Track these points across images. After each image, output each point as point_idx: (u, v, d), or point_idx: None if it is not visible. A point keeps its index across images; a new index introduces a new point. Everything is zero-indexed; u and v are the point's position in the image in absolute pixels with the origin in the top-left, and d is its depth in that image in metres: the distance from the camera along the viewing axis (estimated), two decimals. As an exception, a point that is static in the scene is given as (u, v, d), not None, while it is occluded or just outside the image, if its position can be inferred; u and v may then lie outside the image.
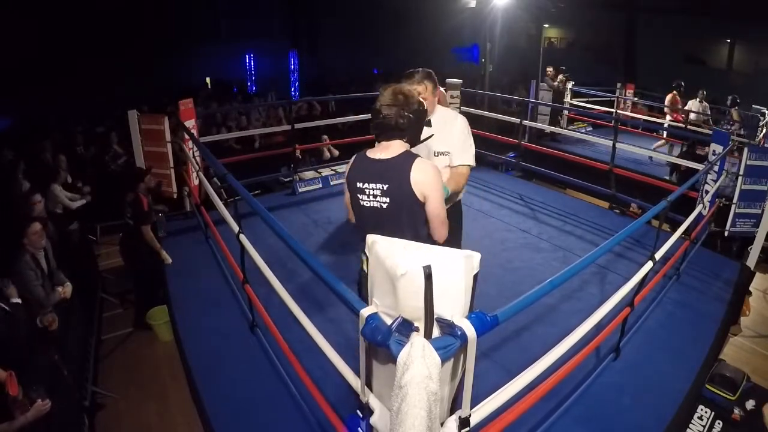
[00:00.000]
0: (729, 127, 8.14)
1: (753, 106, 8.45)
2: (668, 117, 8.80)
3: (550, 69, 9.40)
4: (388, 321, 1.30)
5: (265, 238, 3.36)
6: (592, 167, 5.38)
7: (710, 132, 8.02)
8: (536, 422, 2.34)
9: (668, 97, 8.87)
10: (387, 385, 1.34)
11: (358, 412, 1.70)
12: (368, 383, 1.57)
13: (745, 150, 4.14)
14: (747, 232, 4.28)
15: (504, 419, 1.76)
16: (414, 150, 2.02)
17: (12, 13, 9.66)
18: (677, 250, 3.47)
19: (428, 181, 1.88)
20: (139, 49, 11.36)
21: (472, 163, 2.56)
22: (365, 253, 1.58)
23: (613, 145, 5.01)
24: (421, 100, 2.05)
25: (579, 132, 8.67)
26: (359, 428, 1.75)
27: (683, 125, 8.71)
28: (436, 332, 1.27)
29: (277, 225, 2.08)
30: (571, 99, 9.52)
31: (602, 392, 2.59)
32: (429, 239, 2.03)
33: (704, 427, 2.80)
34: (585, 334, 2.07)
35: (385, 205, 1.91)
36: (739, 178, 4.17)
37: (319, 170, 5.97)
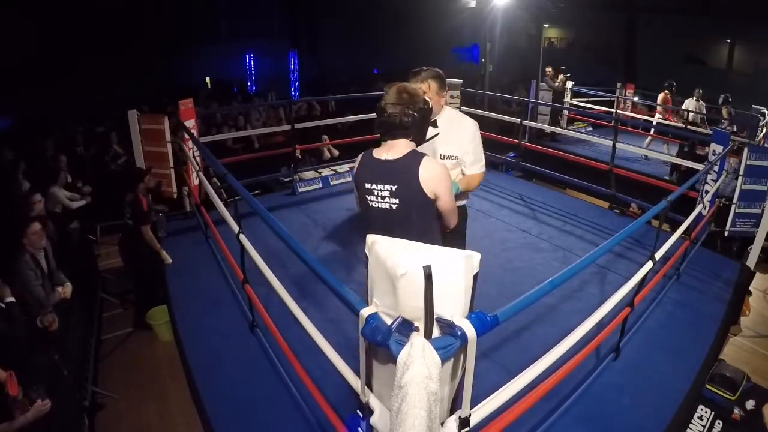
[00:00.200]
0: (721, 125, 8.21)
1: (753, 106, 8.45)
2: (658, 115, 8.91)
3: (549, 69, 9.41)
4: (388, 321, 1.30)
5: (265, 238, 3.36)
6: (592, 167, 5.38)
7: (705, 131, 8.18)
8: (536, 422, 2.34)
9: (660, 96, 8.96)
10: (387, 385, 1.34)
11: (358, 412, 1.70)
12: (368, 383, 1.57)
13: (745, 150, 4.14)
14: (747, 232, 4.28)
15: (504, 419, 1.76)
16: (419, 149, 2.01)
17: (12, 13, 9.65)
18: (677, 250, 3.47)
19: (437, 179, 1.88)
20: (139, 49, 11.36)
21: (484, 170, 2.57)
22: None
23: (613, 145, 5.01)
24: (427, 99, 2.03)
25: (579, 132, 8.67)
26: (359, 428, 1.75)
27: (674, 124, 8.79)
28: (436, 332, 1.27)
29: (277, 225, 2.08)
30: (571, 99, 9.52)
31: (602, 392, 2.59)
32: (439, 233, 2.06)
33: (704, 427, 2.80)
34: (585, 334, 2.07)
35: (394, 206, 1.90)
36: (739, 178, 4.17)
37: (319, 170, 5.97)
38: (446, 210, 1.99)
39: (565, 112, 9.43)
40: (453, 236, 2.25)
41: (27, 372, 2.82)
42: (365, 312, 1.35)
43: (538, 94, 9.15)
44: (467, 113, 2.72)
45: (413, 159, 1.88)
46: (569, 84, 9.43)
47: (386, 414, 1.43)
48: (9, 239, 3.82)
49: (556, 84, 9.31)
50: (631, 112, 9.88)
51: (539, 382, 1.92)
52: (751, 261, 4.03)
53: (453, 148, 2.45)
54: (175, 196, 4.92)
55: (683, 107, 8.82)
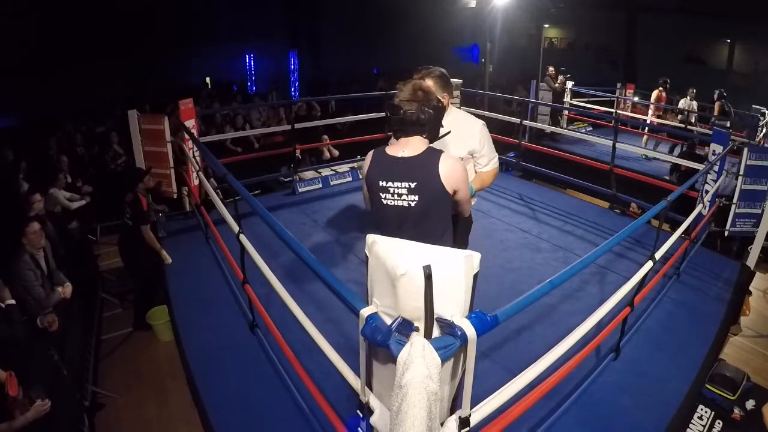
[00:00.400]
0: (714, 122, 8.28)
1: (753, 106, 8.46)
2: (650, 113, 9.04)
3: (551, 69, 9.41)
4: (388, 321, 1.30)
5: (265, 238, 3.36)
6: (592, 167, 5.38)
7: (697, 130, 8.24)
8: (536, 422, 2.33)
9: (654, 94, 9.02)
10: (387, 385, 1.34)
11: (358, 412, 1.70)
12: (368, 383, 1.57)
13: (745, 150, 4.14)
14: (747, 232, 4.28)
15: (504, 419, 1.76)
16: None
17: (12, 13, 9.65)
18: (677, 250, 3.47)
19: (456, 175, 1.92)
20: (139, 49, 11.36)
21: (497, 164, 2.64)
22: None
23: (613, 145, 5.01)
24: (439, 98, 2.06)
25: (579, 132, 8.68)
26: (359, 428, 1.74)
27: (667, 122, 8.88)
28: (436, 332, 1.27)
29: (277, 225, 2.08)
30: (570, 99, 9.53)
31: (602, 392, 2.59)
32: (451, 227, 2.10)
33: (704, 427, 2.80)
34: (585, 334, 2.07)
35: (413, 203, 1.91)
36: (739, 178, 4.17)
37: (319, 170, 5.97)
38: (462, 201, 2.05)
39: (565, 112, 9.44)
40: (458, 235, 2.25)
41: (27, 372, 2.82)
42: (365, 312, 1.35)
43: (538, 94, 9.15)
44: (472, 115, 2.73)
45: (432, 155, 1.90)
46: (569, 84, 9.44)
47: (386, 414, 1.43)
48: (9, 239, 3.83)
49: (556, 85, 9.31)
50: (631, 112, 9.89)
51: (539, 382, 1.92)
52: (751, 261, 4.03)
53: (460, 149, 2.47)
54: (175, 196, 4.92)
55: (678, 106, 8.86)
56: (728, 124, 8.23)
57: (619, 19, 14.21)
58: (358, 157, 6.08)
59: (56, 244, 4.49)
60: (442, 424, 1.38)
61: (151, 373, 4.07)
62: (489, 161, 2.58)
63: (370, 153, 2.04)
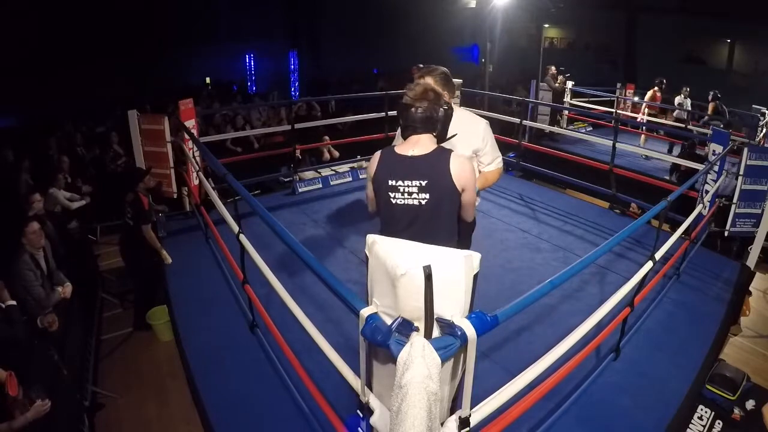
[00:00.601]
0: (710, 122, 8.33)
1: (753, 106, 8.46)
2: (643, 112, 9.11)
3: (553, 69, 9.41)
4: (388, 321, 1.30)
5: (265, 238, 3.36)
6: (592, 167, 5.38)
7: (692, 128, 8.29)
8: (536, 422, 2.33)
9: (648, 94, 9.06)
10: (387, 385, 1.34)
11: (358, 412, 1.70)
12: (368, 383, 1.57)
13: (745, 150, 4.13)
14: (747, 232, 4.28)
15: (504, 419, 1.76)
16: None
17: (12, 14, 9.65)
18: (677, 250, 3.47)
19: (466, 174, 1.94)
20: (139, 49, 11.36)
21: (501, 164, 2.66)
22: None
23: (613, 145, 5.01)
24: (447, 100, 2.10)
25: (579, 132, 8.68)
26: (359, 428, 1.75)
27: (661, 121, 8.94)
28: (436, 332, 1.27)
29: (277, 225, 2.08)
30: (570, 99, 9.53)
31: (602, 392, 2.59)
32: (459, 233, 2.11)
33: (704, 427, 2.80)
34: (585, 334, 2.07)
35: (424, 201, 1.92)
36: (739, 178, 4.17)
37: (319, 170, 5.97)
38: (468, 203, 2.04)
39: (565, 112, 9.44)
40: (462, 234, 2.25)
41: (27, 372, 2.82)
42: (365, 312, 1.35)
43: (538, 94, 9.16)
44: (471, 112, 2.74)
45: (442, 154, 1.93)
46: (569, 84, 9.44)
47: (386, 414, 1.43)
48: (8, 239, 3.83)
49: (556, 84, 9.32)
50: (631, 112, 9.90)
51: (539, 382, 1.92)
52: (751, 261, 4.03)
53: (464, 148, 2.47)
54: (175, 196, 4.92)
55: (675, 104, 8.89)
56: (721, 125, 8.28)
57: (619, 19, 14.21)
58: (358, 157, 6.09)
59: (56, 244, 4.49)
60: (442, 424, 1.38)
61: (151, 373, 4.06)
62: (492, 160, 2.59)
63: (378, 153, 2.04)
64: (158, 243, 4.12)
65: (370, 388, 1.57)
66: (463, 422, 1.41)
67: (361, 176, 5.72)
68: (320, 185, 5.58)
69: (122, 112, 5.05)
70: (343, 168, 5.95)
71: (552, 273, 1.77)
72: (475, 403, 1.48)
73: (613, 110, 9.74)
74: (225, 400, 2.54)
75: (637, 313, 3.08)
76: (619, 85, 10.06)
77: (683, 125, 8.67)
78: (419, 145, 1.94)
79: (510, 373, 1.85)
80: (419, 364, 1.14)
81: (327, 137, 7.31)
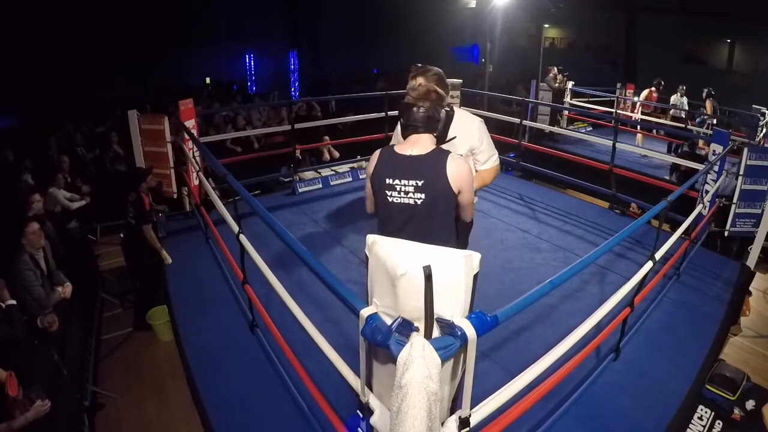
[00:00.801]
0: (707, 120, 8.36)
1: (753, 106, 8.46)
2: (638, 111, 9.19)
3: (554, 70, 9.42)
4: (388, 321, 1.30)
5: (265, 238, 3.36)
6: (592, 167, 5.38)
7: (688, 127, 8.33)
8: (536, 422, 2.33)
9: (644, 93, 9.10)
10: (387, 385, 1.34)
11: (358, 412, 1.70)
12: (368, 383, 1.57)
13: (745, 150, 4.14)
14: (747, 232, 4.28)
15: (504, 419, 1.76)
16: None
17: (12, 14, 9.65)
18: (677, 250, 3.47)
19: (463, 175, 1.94)
20: (139, 49, 11.36)
21: (498, 163, 2.64)
22: None
23: (613, 145, 5.01)
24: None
25: (579, 132, 8.69)
26: (359, 428, 1.75)
27: (657, 120, 9.04)
28: (436, 332, 1.27)
29: (277, 225, 2.08)
30: (570, 99, 9.53)
31: (602, 392, 2.59)
32: (456, 234, 2.11)
33: (704, 427, 2.80)
34: (585, 334, 2.07)
35: (419, 201, 1.93)
36: (739, 178, 4.17)
37: (319, 170, 5.97)
38: (466, 204, 2.05)
39: (565, 112, 9.44)
40: (459, 233, 2.26)
41: (27, 372, 2.82)
42: (365, 312, 1.35)
43: (538, 94, 9.16)
44: (466, 111, 2.73)
45: (440, 155, 1.94)
46: (569, 84, 9.44)
47: (386, 414, 1.43)
48: (8, 239, 3.83)
49: (556, 84, 9.32)
50: (631, 112, 9.91)
51: (539, 382, 1.92)
52: (751, 261, 4.03)
53: (459, 146, 2.47)
54: (175, 196, 4.92)
55: (671, 103, 8.91)
56: (714, 122, 8.35)
57: (619, 19, 14.21)
58: (358, 157, 6.09)
59: (56, 244, 4.49)
60: (442, 425, 1.38)
61: (151, 373, 4.07)
62: (488, 158, 2.58)
63: (377, 151, 2.05)
64: (158, 243, 4.13)
65: (370, 388, 1.57)
66: (463, 422, 1.41)
67: (361, 176, 5.72)
68: (320, 185, 5.58)
69: (122, 112, 5.05)
70: (343, 168, 5.95)
71: (552, 273, 1.77)
72: (475, 403, 1.48)
73: (613, 110, 9.75)
74: (225, 400, 2.54)
75: (637, 313, 3.08)
76: (619, 85, 10.07)
77: (682, 125, 8.67)
78: (419, 144, 1.95)
79: (510, 373, 1.85)
80: (419, 364, 1.14)
81: (327, 137, 7.32)
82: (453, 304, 1.30)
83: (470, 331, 1.25)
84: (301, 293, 3.13)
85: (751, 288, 4.09)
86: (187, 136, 4.39)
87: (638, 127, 9.08)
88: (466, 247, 2.56)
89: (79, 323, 4.12)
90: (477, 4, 11.34)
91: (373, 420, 1.51)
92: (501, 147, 6.47)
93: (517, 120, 6.16)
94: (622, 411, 2.49)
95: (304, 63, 15.24)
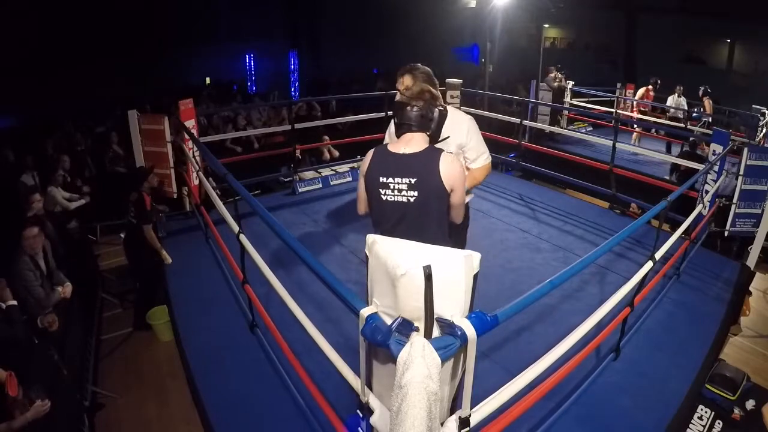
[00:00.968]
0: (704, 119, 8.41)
1: (753, 106, 8.46)
2: (634, 111, 9.30)
3: (555, 72, 9.44)
4: (388, 321, 1.30)
5: (265, 238, 3.37)
6: (592, 167, 5.38)
7: (691, 128, 8.34)
8: (536, 422, 2.33)
9: (640, 91, 9.14)
10: (387, 385, 1.34)
11: (358, 412, 1.70)
12: (368, 383, 1.57)
13: (745, 150, 4.14)
14: (747, 232, 4.28)
15: (504, 419, 1.76)
16: None
17: (12, 14, 9.64)
18: (677, 250, 3.47)
19: (456, 173, 1.95)
20: (139, 49, 11.35)
21: (489, 161, 2.61)
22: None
23: (613, 145, 5.01)
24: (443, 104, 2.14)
25: (579, 132, 8.69)
26: (359, 428, 1.75)
27: (654, 119, 9.10)
28: (436, 332, 1.27)
29: (277, 225, 2.08)
30: (570, 99, 9.54)
31: (602, 392, 2.59)
32: (450, 233, 2.11)
33: (704, 427, 2.80)
34: (585, 334, 2.07)
35: (412, 199, 1.94)
36: (739, 178, 4.17)
37: (319, 170, 5.97)
38: (457, 204, 2.04)
39: (565, 112, 9.45)
40: (455, 232, 2.26)
41: (27, 372, 2.82)
42: (365, 312, 1.35)
43: (538, 94, 9.16)
44: (467, 113, 2.72)
45: (433, 153, 1.95)
46: (569, 84, 9.44)
47: (386, 414, 1.43)
48: (9, 239, 3.83)
49: (556, 84, 9.33)
50: (631, 112, 9.92)
51: (539, 382, 1.92)
52: (751, 261, 4.03)
53: (449, 144, 2.46)
54: (175, 196, 4.92)
55: (668, 104, 8.92)
56: (710, 120, 8.38)
57: (619, 19, 14.21)
58: (358, 157, 6.08)
59: (56, 244, 4.49)
60: (442, 424, 1.38)
61: (151, 373, 4.06)
62: (478, 156, 2.54)
63: (371, 151, 2.07)
64: (158, 243, 4.13)
65: (370, 388, 1.57)
66: (463, 422, 1.41)
67: (360, 175, 5.72)
68: (320, 185, 5.58)
69: (122, 112, 5.05)
70: (343, 168, 5.95)
71: (552, 273, 1.77)
72: (475, 403, 1.48)
73: (613, 110, 9.75)
74: (225, 400, 2.54)
75: (637, 313, 3.08)
76: (619, 85, 10.07)
77: (682, 125, 8.67)
78: (412, 143, 1.97)
79: (510, 373, 1.85)
80: (419, 364, 1.14)
81: (327, 137, 7.32)
82: (453, 304, 1.30)
83: (470, 331, 1.25)
84: (301, 293, 3.13)
85: (751, 288, 4.09)
86: (187, 136, 4.39)
87: (634, 126, 9.10)
88: (464, 246, 2.57)
89: (79, 323, 4.11)
90: (477, 4, 11.34)
91: (373, 420, 1.51)
92: (501, 147, 6.53)
93: (517, 120, 6.16)
94: (622, 411, 2.49)
95: (304, 63, 15.24)
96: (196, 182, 4.65)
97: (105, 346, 4.41)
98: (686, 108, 8.84)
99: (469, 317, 1.29)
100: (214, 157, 3.32)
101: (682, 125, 8.61)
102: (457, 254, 1.34)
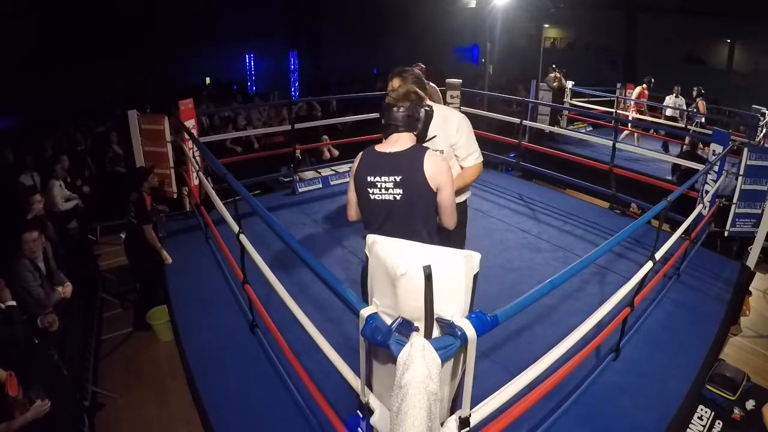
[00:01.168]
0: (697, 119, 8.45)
1: (753, 106, 8.46)
2: (631, 110, 9.41)
3: (556, 72, 9.45)
4: (388, 321, 1.30)
5: (265, 238, 3.36)
6: (592, 167, 5.38)
7: (683, 126, 8.37)
8: (536, 422, 2.33)
9: (636, 90, 9.19)
10: (387, 385, 1.34)
11: (358, 412, 1.70)
12: (368, 383, 1.57)
13: (745, 150, 4.14)
14: (747, 232, 4.28)
15: (504, 419, 1.76)
16: None
17: (12, 14, 9.64)
18: (677, 250, 3.47)
19: (441, 171, 1.95)
20: (139, 49, 11.35)
21: (480, 160, 2.58)
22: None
23: (613, 145, 5.01)
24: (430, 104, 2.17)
25: (579, 132, 8.69)
26: (359, 428, 1.75)
27: (650, 119, 9.18)
28: (436, 332, 1.27)
29: (277, 225, 2.08)
30: (570, 99, 9.54)
31: (602, 392, 2.59)
32: (438, 228, 2.09)
33: (704, 427, 2.80)
34: (585, 334, 2.07)
35: (398, 197, 1.95)
36: (739, 178, 4.17)
37: (319, 170, 5.97)
38: (446, 205, 2.02)
39: (565, 112, 9.46)
40: (453, 232, 2.26)
41: (27, 372, 2.82)
42: (365, 312, 1.35)
43: (538, 94, 9.16)
44: (467, 113, 2.72)
45: (418, 151, 1.97)
46: (569, 84, 9.45)
47: (386, 414, 1.43)
48: (8, 239, 3.83)
49: (555, 84, 9.34)
50: (625, 110, 9.94)
51: (539, 382, 1.92)
52: (751, 261, 4.03)
53: (439, 142, 2.47)
54: (175, 196, 4.92)
55: (664, 103, 8.94)
56: (703, 120, 8.40)
57: (619, 19, 14.21)
58: (358, 157, 6.09)
59: (56, 245, 4.49)
60: (442, 424, 1.38)
61: (151, 373, 4.07)
62: (468, 155, 2.52)
63: (360, 153, 2.10)
64: (159, 243, 4.13)
65: (370, 388, 1.57)
66: (463, 422, 1.41)
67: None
68: (320, 185, 5.58)
69: (122, 112, 5.04)
70: (343, 168, 5.95)
71: (552, 273, 1.77)
72: (475, 403, 1.48)
73: (613, 110, 9.76)
74: (225, 400, 2.54)
75: (637, 313, 3.08)
76: (619, 85, 10.08)
77: (681, 125, 8.69)
78: (399, 143, 1.99)
79: (510, 373, 1.85)
80: (419, 364, 1.14)
81: (326, 137, 7.32)
82: (453, 304, 1.30)
83: (470, 331, 1.25)
84: (301, 293, 3.13)
85: (751, 288, 4.09)
86: (187, 136, 4.39)
87: (628, 124, 9.14)
88: (463, 246, 2.57)
89: (79, 323, 4.12)
90: (477, 4, 11.34)
91: (373, 420, 1.51)
92: (501, 147, 6.51)
93: (517, 120, 6.16)
94: (622, 411, 2.49)
95: (304, 63, 15.24)
96: (196, 182, 4.65)
97: (105, 346, 4.41)
98: (685, 108, 8.86)
99: (469, 317, 1.29)
100: (214, 157, 3.32)
101: (681, 125, 8.63)
102: (457, 254, 1.34)
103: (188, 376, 2.84)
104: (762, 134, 7.60)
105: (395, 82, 2.43)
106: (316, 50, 15.53)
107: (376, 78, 14.34)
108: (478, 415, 1.51)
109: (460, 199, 2.63)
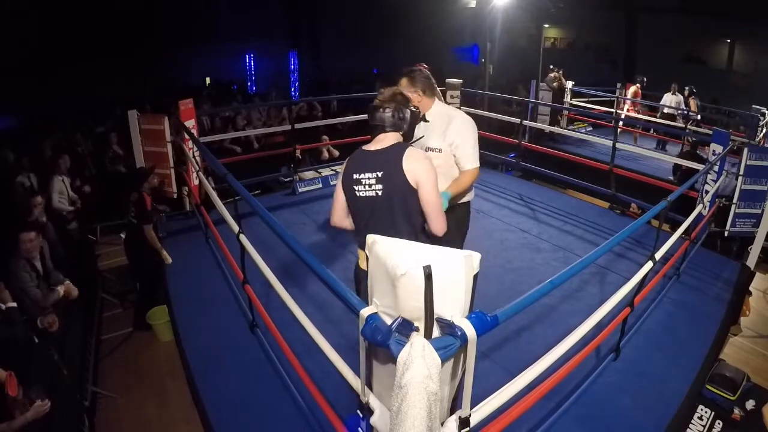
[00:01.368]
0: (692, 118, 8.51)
1: (753, 106, 8.46)
2: (626, 108, 9.46)
3: (556, 72, 9.45)
4: (388, 321, 1.30)
5: (265, 238, 3.36)
6: (592, 167, 5.38)
7: (680, 125, 8.37)
8: (536, 422, 2.33)
9: (631, 90, 9.25)
10: (387, 385, 1.34)
11: (358, 412, 1.70)
12: (368, 383, 1.57)
13: (745, 150, 4.14)
14: (747, 232, 4.28)
15: (504, 419, 1.76)
16: None
17: (12, 14, 9.64)
18: (677, 250, 3.47)
19: (420, 167, 1.97)
20: (139, 49, 11.35)
21: (476, 165, 2.57)
22: (364, 250, 1.58)
23: (613, 145, 5.01)
24: (416, 104, 2.23)
25: (579, 132, 8.69)
26: (359, 428, 1.74)
27: (646, 118, 9.23)
28: (436, 332, 1.27)
29: (277, 225, 2.08)
30: (571, 99, 9.54)
31: (602, 392, 2.59)
32: (425, 231, 2.08)
33: (704, 427, 2.80)
34: (585, 334, 2.07)
35: (380, 192, 1.99)
36: (739, 178, 4.17)
37: (319, 170, 5.97)
38: (426, 201, 1.98)
39: (565, 112, 9.46)
40: (453, 232, 2.26)
41: (27, 372, 2.82)
42: (365, 312, 1.35)
43: (538, 94, 9.17)
44: (467, 113, 2.72)
45: (398, 148, 2.01)
46: (569, 84, 9.45)
47: (386, 414, 1.43)
48: (7, 240, 3.83)
49: (555, 84, 9.34)
50: (620, 108, 9.95)
51: (539, 382, 1.92)
52: (751, 261, 4.03)
53: (438, 141, 2.50)
54: (175, 196, 4.92)
55: (661, 102, 8.94)
56: (698, 118, 8.44)
57: (619, 19, 14.20)
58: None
59: (56, 245, 4.49)
60: (442, 425, 1.38)
61: (151, 373, 4.06)
62: (465, 158, 2.51)
63: (350, 156, 2.14)
64: (159, 243, 4.13)
65: (370, 388, 1.57)
66: (463, 422, 1.41)
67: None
68: (320, 185, 5.58)
69: (122, 112, 5.04)
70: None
71: (552, 273, 1.77)
72: (475, 403, 1.48)
73: (613, 110, 9.76)
74: (225, 400, 2.55)
75: (637, 313, 3.08)
76: (619, 85, 10.07)
77: (681, 125, 8.68)
78: (383, 141, 2.04)
79: (510, 373, 1.85)
80: (419, 364, 1.14)
81: (326, 137, 7.32)
82: (453, 304, 1.30)
83: (470, 331, 1.25)
84: (301, 293, 3.13)
85: (751, 288, 4.09)
86: (187, 136, 4.39)
87: (620, 122, 9.16)
88: (462, 247, 2.56)
89: (79, 323, 4.11)
90: (477, 4, 11.33)
91: (373, 420, 1.51)
92: (501, 147, 6.50)
93: (517, 120, 6.16)
94: (622, 411, 2.49)
95: (304, 63, 15.23)
96: (196, 182, 4.65)
97: (105, 346, 4.41)
98: (683, 106, 8.86)
99: (469, 317, 1.29)
100: (214, 157, 3.33)
101: (680, 124, 8.62)
102: (457, 254, 1.34)
103: (188, 376, 2.84)
104: (762, 134, 7.60)
105: (403, 83, 2.47)
106: (316, 50, 15.52)
107: (376, 78, 14.33)
108: (478, 415, 1.50)
109: (463, 200, 2.64)
